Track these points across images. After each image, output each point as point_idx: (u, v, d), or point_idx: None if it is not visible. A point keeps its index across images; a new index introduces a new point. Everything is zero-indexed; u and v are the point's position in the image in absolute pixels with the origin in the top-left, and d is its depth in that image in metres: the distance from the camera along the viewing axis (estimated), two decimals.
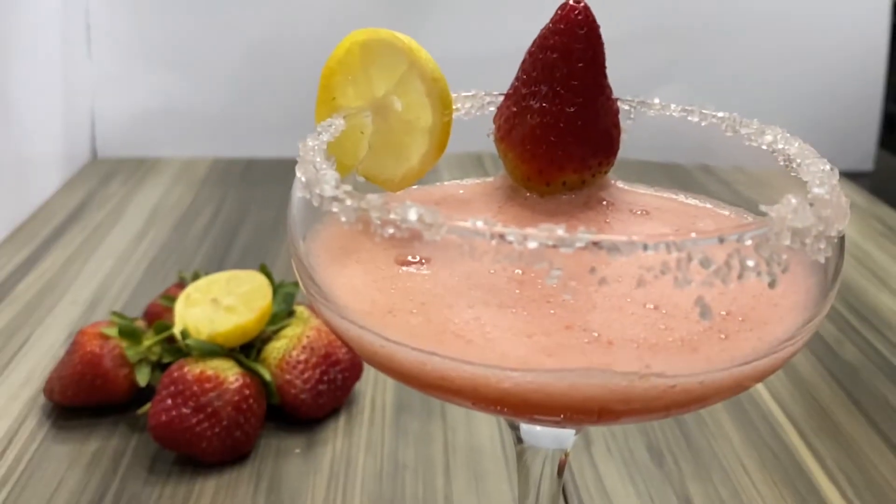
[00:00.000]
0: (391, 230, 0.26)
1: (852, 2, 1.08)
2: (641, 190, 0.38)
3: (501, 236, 0.25)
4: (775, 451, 0.53)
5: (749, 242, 0.25)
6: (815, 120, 1.10)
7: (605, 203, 0.35)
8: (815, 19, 1.08)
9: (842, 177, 0.31)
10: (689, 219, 0.36)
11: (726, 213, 0.37)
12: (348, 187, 0.27)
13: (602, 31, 0.33)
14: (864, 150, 1.12)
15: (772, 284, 0.25)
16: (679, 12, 1.08)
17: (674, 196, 0.38)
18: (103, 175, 1.01)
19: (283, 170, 1.02)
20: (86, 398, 0.54)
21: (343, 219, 0.27)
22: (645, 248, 0.24)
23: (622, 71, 0.36)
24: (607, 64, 0.34)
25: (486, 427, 0.55)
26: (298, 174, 0.30)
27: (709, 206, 0.38)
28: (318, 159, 0.30)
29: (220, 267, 0.76)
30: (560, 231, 0.24)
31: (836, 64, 1.10)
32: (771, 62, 1.09)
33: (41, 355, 0.62)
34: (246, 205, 0.93)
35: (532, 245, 0.24)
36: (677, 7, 1.08)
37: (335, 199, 0.27)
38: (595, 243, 0.24)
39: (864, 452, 0.53)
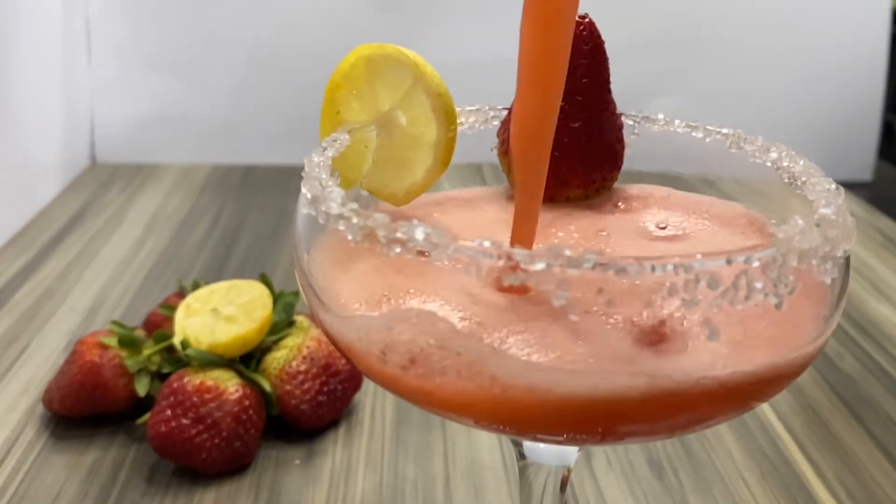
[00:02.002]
0: (398, 249, 0.26)
1: (852, 11, 1.08)
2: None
3: (508, 256, 0.24)
4: (775, 464, 0.53)
5: (756, 264, 0.25)
6: (814, 130, 1.10)
7: (621, 206, 0.35)
8: (815, 29, 1.08)
9: (841, 188, 0.31)
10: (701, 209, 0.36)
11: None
12: (354, 205, 0.27)
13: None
14: (864, 160, 1.12)
15: (778, 306, 0.25)
16: (679, 23, 1.08)
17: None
18: (102, 181, 1.01)
19: (282, 177, 1.02)
20: (85, 408, 0.53)
21: (349, 237, 0.27)
22: (653, 269, 0.24)
23: (621, 82, 0.36)
24: None
25: (487, 440, 0.55)
26: (304, 190, 0.30)
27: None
28: (324, 176, 0.30)
29: (219, 274, 0.76)
30: (567, 252, 0.24)
31: (835, 74, 1.10)
32: (771, 72, 1.09)
33: (40, 364, 0.61)
34: (245, 212, 0.93)
35: (539, 266, 0.24)
36: (677, 18, 1.08)
37: (341, 216, 0.27)
38: (602, 265, 0.24)
39: (863, 465, 0.53)
